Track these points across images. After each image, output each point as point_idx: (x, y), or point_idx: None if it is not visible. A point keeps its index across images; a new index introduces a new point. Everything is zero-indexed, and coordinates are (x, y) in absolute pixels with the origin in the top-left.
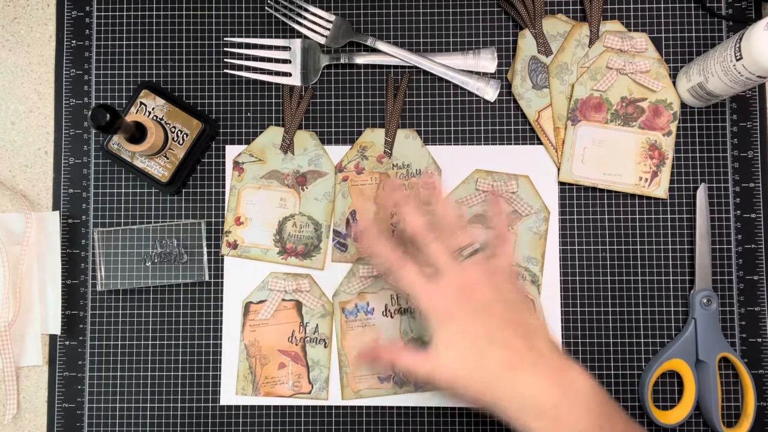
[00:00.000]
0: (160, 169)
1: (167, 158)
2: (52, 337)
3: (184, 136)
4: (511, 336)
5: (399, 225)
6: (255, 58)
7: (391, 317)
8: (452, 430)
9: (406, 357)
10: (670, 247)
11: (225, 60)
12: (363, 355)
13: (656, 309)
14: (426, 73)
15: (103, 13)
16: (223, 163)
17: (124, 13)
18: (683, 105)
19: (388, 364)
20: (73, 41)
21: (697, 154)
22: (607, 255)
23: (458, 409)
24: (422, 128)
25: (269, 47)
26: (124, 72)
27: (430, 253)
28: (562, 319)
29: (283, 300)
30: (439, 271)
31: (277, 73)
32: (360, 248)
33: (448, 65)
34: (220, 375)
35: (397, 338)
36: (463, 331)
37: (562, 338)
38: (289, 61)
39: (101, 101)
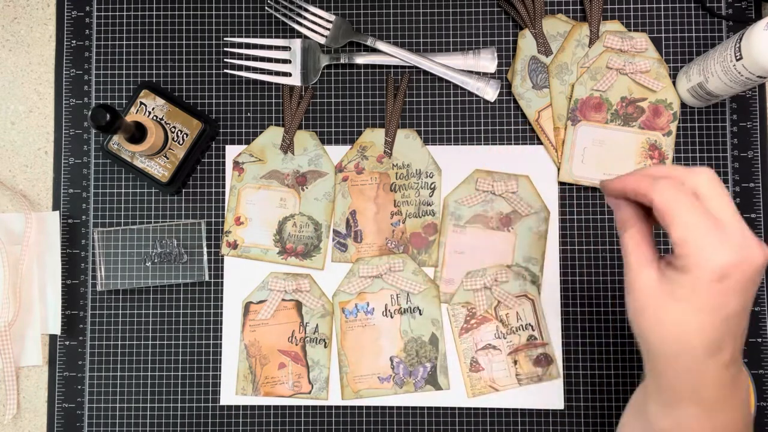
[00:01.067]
0: (160, 169)
1: (167, 158)
2: (52, 337)
3: (184, 136)
4: (741, 326)
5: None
6: (255, 58)
7: (391, 317)
8: (452, 430)
9: (632, 242)
10: (670, 247)
11: (225, 60)
12: (613, 185)
13: None
14: (426, 73)
15: (103, 13)
16: (223, 163)
17: (124, 13)
18: (683, 105)
19: (619, 223)
20: (73, 41)
21: (697, 154)
22: (607, 255)
23: (458, 409)
24: (422, 128)
25: (269, 47)
26: (124, 72)
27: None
28: (562, 319)
29: (283, 300)
30: (729, 222)
31: (277, 73)
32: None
33: (448, 65)
34: (220, 375)
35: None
36: (717, 299)
37: (562, 338)
38: (289, 61)
39: (101, 101)
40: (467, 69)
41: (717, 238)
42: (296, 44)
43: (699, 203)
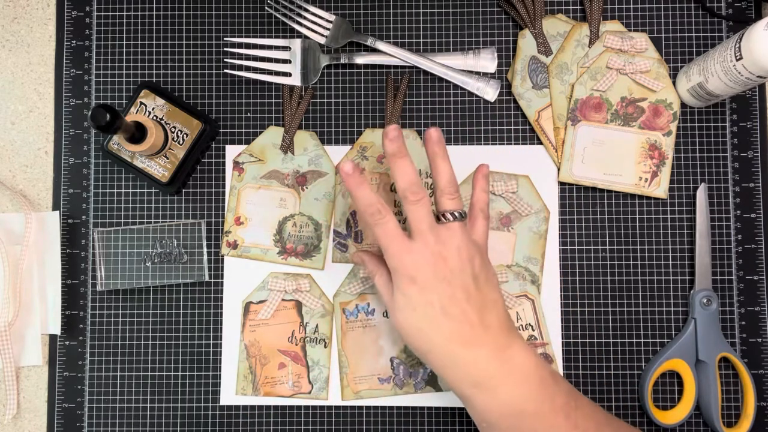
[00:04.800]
0: (160, 169)
1: (167, 158)
2: (52, 337)
3: (184, 136)
4: (466, 309)
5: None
6: (255, 58)
7: None
8: (452, 430)
9: (380, 281)
10: (670, 247)
11: (225, 60)
12: (355, 257)
13: (656, 309)
14: (426, 73)
15: (103, 13)
16: (223, 163)
17: (124, 13)
18: (683, 105)
19: (369, 274)
20: (73, 41)
21: (697, 154)
22: (607, 255)
23: (458, 409)
24: (422, 128)
25: (269, 47)
26: (124, 72)
27: (412, 212)
28: (562, 319)
29: (283, 300)
30: (416, 232)
31: (277, 73)
32: (347, 187)
33: (448, 65)
34: (220, 375)
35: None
36: (422, 298)
37: (562, 338)
38: (289, 61)
39: (101, 101)
40: (467, 69)
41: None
42: (296, 44)
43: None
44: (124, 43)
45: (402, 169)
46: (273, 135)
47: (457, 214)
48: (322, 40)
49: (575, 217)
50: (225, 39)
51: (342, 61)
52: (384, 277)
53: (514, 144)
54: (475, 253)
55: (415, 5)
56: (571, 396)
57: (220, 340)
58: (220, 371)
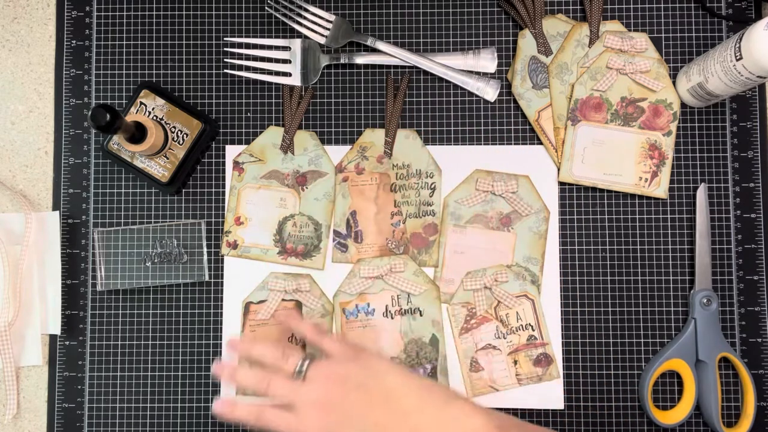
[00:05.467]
0: (160, 169)
1: (167, 158)
2: (52, 337)
3: (184, 136)
4: (382, 416)
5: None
6: (255, 58)
7: (392, 318)
8: None
9: (272, 417)
10: (670, 247)
11: (225, 60)
12: (217, 409)
13: (656, 309)
14: (426, 73)
15: (103, 13)
16: (223, 163)
17: (124, 13)
18: (683, 105)
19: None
20: (73, 41)
21: (697, 154)
22: (607, 255)
23: None
24: (422, 128)
25: (269, 47)
26: (124, 72)
27: (274, 393)
28: (562, 319)
29: (283, 300)
30: (292, 403)
31: (277, 73)
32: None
33: (448, 65)
34: None
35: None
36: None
37: (562, 338)
38: (289, 61)
39: (101, 101)
40: (467, 69)
41: None
42: (296, 44)
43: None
44: (124, 43)
45: (233, 375)
46: (273, 135)
47: (304, 365)
48: (322, 40)
49: (575, 217)
50: (225, 39)
51: (342, 61)
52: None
53: (514, 144)
54: (345, 370)
55: (415, 5)
56: None
57: (220, 340)
58: None
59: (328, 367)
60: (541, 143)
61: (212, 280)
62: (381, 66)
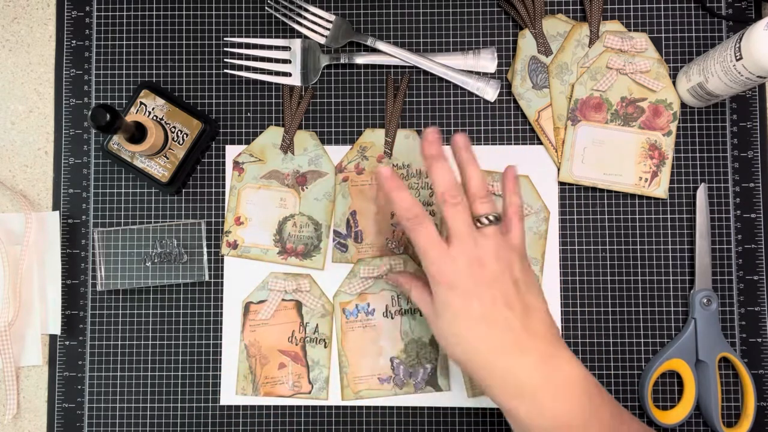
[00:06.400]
0: (160, 169)
1: (167, 158)
2: (52, 337)
3: (184, 136)
4: (509, 317)
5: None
6: (255, 58)
7: (392, 318)
8: (452, 431)
9: (416, 294)
10: (670, 247)
11: (225, 60)
12: (389, 278)
13: (656, 309)
14: (426, 73)
15: (103, 13)
16: (223, 163)
17: (124, 13)
18: (683, 105)
19: (405, 292)
20: (73, 41)
21: (697, 154)
22: (607, 255)
23: (458, 409)
24: (422, 128)
25: (269, 47)
26: (124, 72)
27: (450, 216)
28: (562, 319)
29: (283, 300)
30: (454, 237)
31: (277, 73)
32: (381, 194)
33: (448, 65)
34: (220, 375)
35: (415, 272)
36: (463, 305)
37: (563, 338)
38: (289, 61)
39: (101, 101)
40: (467, 69)
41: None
42: (296, 44)
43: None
44: (124, 43)
45: (440, 172)
46: (273, 135)
47: (492, 217)
48: (322, 40)
49: (575, 217)
50: (225, 39)
51: (342, 61)
52: (419, 289)
53: (514, 144)
54: (514, 258)
55: (415, 5)
56: (616, 412)
57: (220, 340)
58: (220, 371)
59: (506, 242)
60: (541, 143)
61: (212, 280)
62: (381, 66)
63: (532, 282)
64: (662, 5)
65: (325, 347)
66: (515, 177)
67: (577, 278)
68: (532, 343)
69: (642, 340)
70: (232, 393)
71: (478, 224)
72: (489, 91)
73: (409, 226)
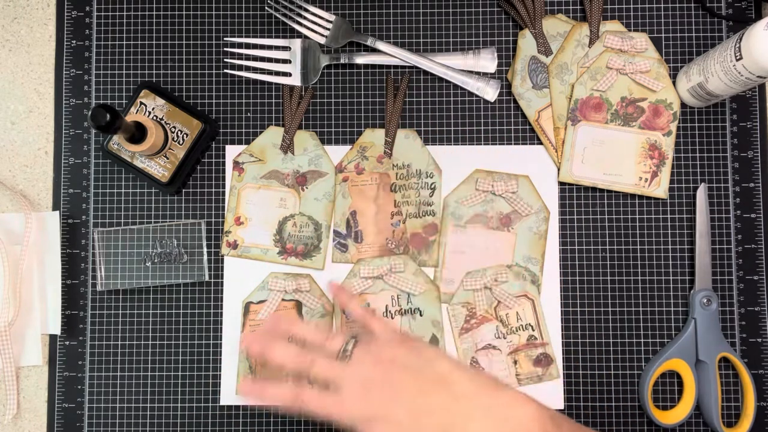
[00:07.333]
0: (160, 169)
1: (167, 158)
2: (52, 337)
3: (184, 136)
4: (432, 399)
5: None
6: (255, 58)
7: (392, 318)
8: None
9: (312, 398)
10: (670, 247)
11: (225, 60)
12: (244, 389)
13: (656, 309)
14: (426, 73)
15: (103, 13)
16: (223, 163)
17: (124, 13)
18: (683, 105)
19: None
20: (73, 41)
21: (697, 154)
22: (607, 255)
23: None
24: (422, 128)
25: (269, 47)
26: (124, 72)
27: (317, 373)
28: (562, 319)
29: (283, 300)
30: (337, 384)
31: (277, 73)
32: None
33: (448, 65)
34: (220, 375)
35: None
36: (391, 425)
37: (562, 338)
38: (289, 61)
39: (101, 101)
40: (467, 69)
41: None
42: (296, 44)
43: None
44: (124, 43)
45: (280, 354)
46: (273, 135)
47: (350, 344)
48: (322, 40)
49: (575, 217)
50: (225, 39)
51: (342, 61)
52: None
53: (514, 144)
54: (394, 353)
55: (415, 5)
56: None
57: (220, 340)
58: (220, 371)
59: (376, 347)
60: (541, 143)
61: (212, 280)
62: (381, 66)
63: (426, 354)
64: (662, 5)
65: None
66: (339, 289)
67: (577, 278)
68: (471, 405)
69: (642, 340)
70: (232, 393)
71: (345, 356)
72: (489, 91)
73: (295, 406)
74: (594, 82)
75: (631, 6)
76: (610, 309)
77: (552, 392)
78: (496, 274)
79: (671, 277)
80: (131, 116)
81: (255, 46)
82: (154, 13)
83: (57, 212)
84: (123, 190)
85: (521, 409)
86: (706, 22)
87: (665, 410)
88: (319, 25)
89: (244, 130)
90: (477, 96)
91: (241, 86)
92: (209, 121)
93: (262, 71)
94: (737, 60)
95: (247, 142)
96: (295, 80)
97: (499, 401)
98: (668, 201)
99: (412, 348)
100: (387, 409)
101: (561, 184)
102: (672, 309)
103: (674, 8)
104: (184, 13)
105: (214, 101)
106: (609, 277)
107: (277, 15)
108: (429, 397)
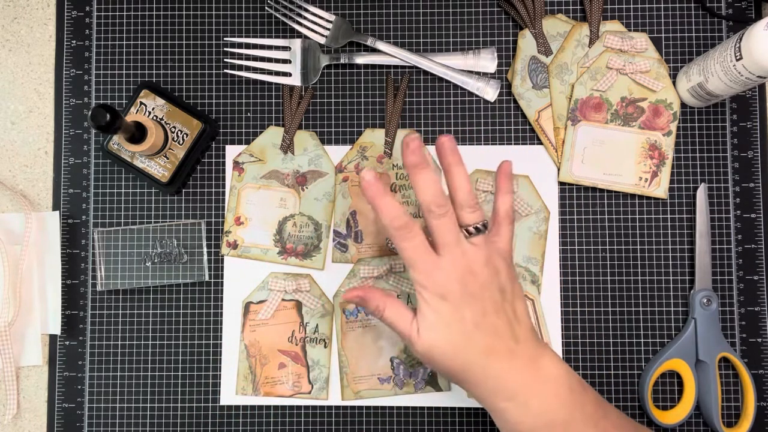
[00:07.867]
0: (160, 169)
1: (167, 158)
2: (52, 337)
3: (184, 136)
4: (497, 322)
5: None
6: (255, 58)
7: None
8: (452, 430)
9: (391, 311)
10: (670, 247)
11: (225, 60)
12: (351, 294)
13: (656, 309)
14: (426, 73)
15: (103, 13)
16: (223, 163)
17: (124, 13)
18: (683, 105)
19: (374, 310)
20: (73, 41)
21: (697, 154)
22: (607, 255)
23: (458, 409)
24: (422, 128)
25: (269, 47)
26: (124, 72)
27: (437, 227)
28: (562, 319)
29: (283, 300)
30: (442, 247)
31: (277, 73)
32: (366, 198)
33: (448, 65)
34: (220, 375)
35: (390, 291)
36: (454, 314)
37: (562, 338)
38: (289, 61)
39: (101, 101)
40: (467, 69)
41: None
42: (296, 44)
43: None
44: (124, 43)
45: (425, 181)
46: (273, 135)
47: (480, 226)
48: (322, 40)
49: (575, 217)
50: (225, 39)
51: (342, 61)
52: (394, 307)
53: (514, 144)
54: (502, 265)
55: (415, 5)
56: (599, 404)
57: (220, 340)
58: (220, 371)
59: (497, 249)
60: (541, 143)
61: (212, 280)
62: (381, 66)
63: (517, 288)
64: (662, 5)
65: (325, 347)
66: (509, 174)
67: (577, 278)
68: (519, 347)
69: (642, 340)
70: (232, 393)
71: (466, 233)
72: (489, 91)
73: (396, 235)
74: (594, 82)
75: (631, 6)
76: (610, 309)
77: None
78: None
79: (671, 277)
80: (131, 116)
81: (255, 46)
82: (154, 13)
83: (57, 212)
84: (123, 190)
85: (554, 366)
86: (706, 22)
87: (665, 410)
88: (319, 25)
89: (244, 130)
90: (477, 96)
91: (241, 86)
92: (209, 121)
93: (262, 71)
94: (737, 60)
95: (247, 142)
96: (295, 80)
97: (542, 355)
98: (668, 201)
99: (514, 276)
100: (461, 300)
101: (561, 184)
102: (672, 309)
103: (674, 8)
104: (184, 13)
105: (214, 101)
106: (609, 277)
107: (277, 15)
108: (497, 320)
